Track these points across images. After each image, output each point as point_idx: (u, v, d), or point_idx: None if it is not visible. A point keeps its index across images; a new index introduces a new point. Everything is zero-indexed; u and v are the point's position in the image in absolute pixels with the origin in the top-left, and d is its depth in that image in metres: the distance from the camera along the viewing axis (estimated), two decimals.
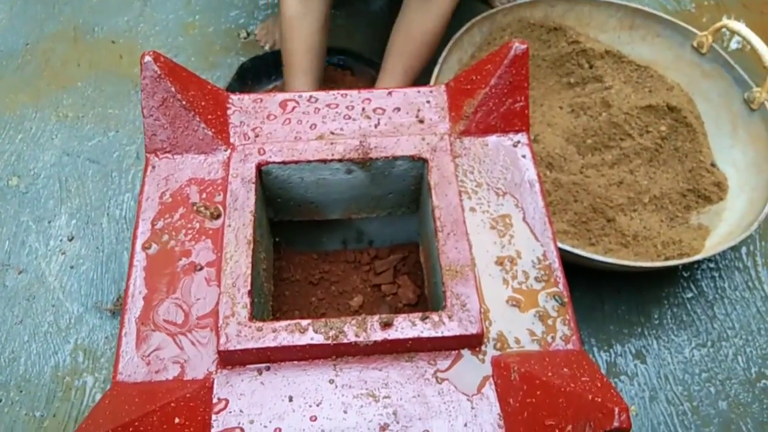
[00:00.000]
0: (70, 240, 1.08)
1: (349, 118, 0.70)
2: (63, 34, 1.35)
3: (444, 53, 1.09)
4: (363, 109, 0.70)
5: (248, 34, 1.35)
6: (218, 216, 0.63)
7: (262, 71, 1.23)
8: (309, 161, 0.64)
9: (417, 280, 0.79)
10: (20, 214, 1.11)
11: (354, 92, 0.72)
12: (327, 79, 1.21)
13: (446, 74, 1.10)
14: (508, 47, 0.67)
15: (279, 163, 0.64)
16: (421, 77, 1.12)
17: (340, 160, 0.64)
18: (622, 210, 1.04)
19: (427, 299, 0.76)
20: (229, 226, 0.59)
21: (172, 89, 0.64)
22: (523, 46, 0.67)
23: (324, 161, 0.64)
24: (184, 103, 0.65)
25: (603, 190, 1.04)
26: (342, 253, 0.80)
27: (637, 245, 1.00)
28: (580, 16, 1.21)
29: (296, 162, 0.64)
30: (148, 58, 0.64)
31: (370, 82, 1.16)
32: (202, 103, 0.67)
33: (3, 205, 1.12)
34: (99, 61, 1.31)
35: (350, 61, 1.24)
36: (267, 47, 1.31)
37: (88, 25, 1.37)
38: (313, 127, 0.69)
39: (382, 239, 0.81)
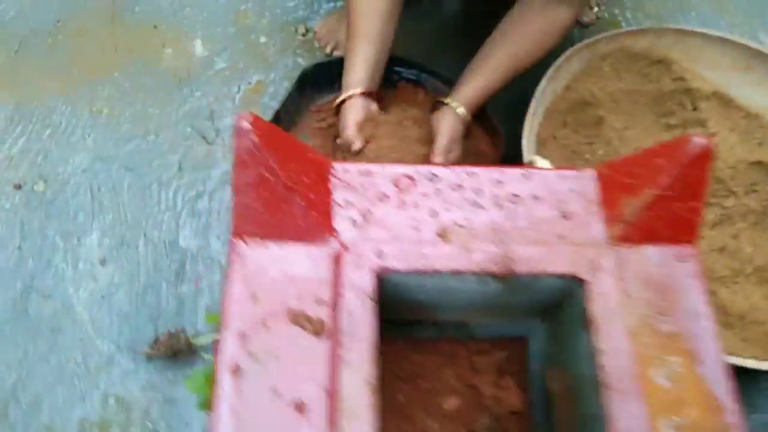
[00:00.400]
0: (102, 264, 0.96)
1: (477, 205, 0.57)
2: (99, 12, 1.20)
3: (542, 84, 0.96)
4: (494, 194, 0.58)
5: (307, 31, 1.20)
6: (322, 332, 0.50)
7: (322, 78, 1.09)
8: (439, 272, 0.52)
9: (522, 382, 0.67)
10: (46, 227, 0.98)
11: (482, 170, 0.59)
12: (398, 96, 1.07)
13: (539, 107, 0.97)
14: (686, 141, 0.54)
15: (402, 272, 0.52)
16: (509, 106, 0.98)
17: (476, 273, 0.52)
18: (724, 283, 0.92)
19: (533, 406, 0.65)
20: (345, 361, 0.47)
21: (272, 164, 0.51)
22: (705, 141, 0.54)
23: (457, 273, 0.52)
24: (285, 182, 0.52)
25: (704, 256, 0.93)
26: (436, 344, 0.69)
27: (745, 329, 0.89)
28: (688, 49, 1.07)
29: (423, 272, 0.52)
30: (245, 124, 0.51)
31: None
32: (304, 179, 0.54)
33: (27, 215, 0.99)
34: (138, 48, 1.16)
35: (423, 77, 1.09)
36: (328, 49, 1.16)
37: (127, 4, 1.21)
38: (433, 215, 0.56)
39: (485, 331, 0.69)
